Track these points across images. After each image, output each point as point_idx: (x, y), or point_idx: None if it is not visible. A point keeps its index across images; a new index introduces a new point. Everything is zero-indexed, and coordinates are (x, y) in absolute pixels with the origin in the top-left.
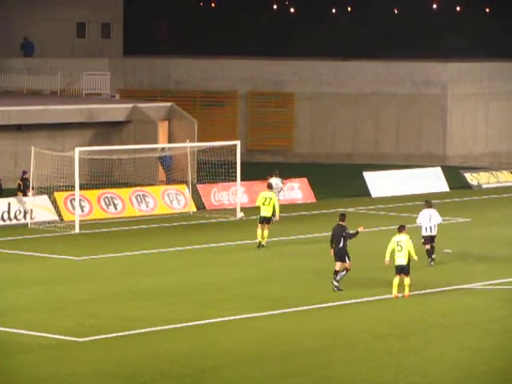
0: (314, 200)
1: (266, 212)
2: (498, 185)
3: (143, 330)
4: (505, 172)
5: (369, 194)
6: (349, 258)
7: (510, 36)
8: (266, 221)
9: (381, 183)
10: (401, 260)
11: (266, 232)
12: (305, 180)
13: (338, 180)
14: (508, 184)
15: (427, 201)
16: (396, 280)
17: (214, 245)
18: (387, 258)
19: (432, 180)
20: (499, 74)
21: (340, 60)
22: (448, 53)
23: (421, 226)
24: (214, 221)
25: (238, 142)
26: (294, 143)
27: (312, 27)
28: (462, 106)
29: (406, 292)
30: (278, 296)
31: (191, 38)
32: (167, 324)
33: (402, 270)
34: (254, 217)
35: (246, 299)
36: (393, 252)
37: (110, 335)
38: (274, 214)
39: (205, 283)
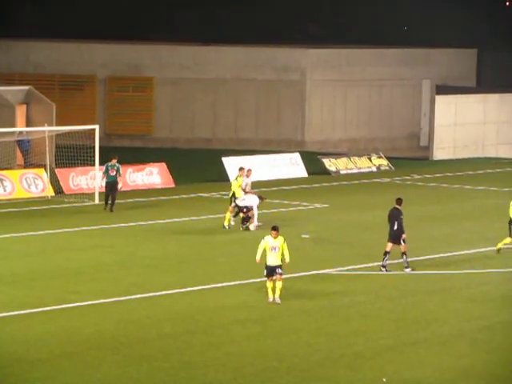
0: (172, 185)
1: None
2: (356, 171)
3: (1, 315)
4: (362, 158)
5: (228, 180)
6: (404, 241)
7: (367, 22)
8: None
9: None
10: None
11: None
12: (163, 165)
13: (197, 165)
14: (365, 170)
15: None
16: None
17: (72, 229)
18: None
19: (290, 165)
20: (357, 60)
21: (200, 45)
22: (307, 39)
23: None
24: (71, 205)
25: (96, 127)
26: (154, 128)
27: (172, 12)
28: (321, 91)
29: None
30: (137, 280)
31: (50, 20)
32: (26, 309)
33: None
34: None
35: (104, 284)
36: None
37: None
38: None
39: (64, 268)
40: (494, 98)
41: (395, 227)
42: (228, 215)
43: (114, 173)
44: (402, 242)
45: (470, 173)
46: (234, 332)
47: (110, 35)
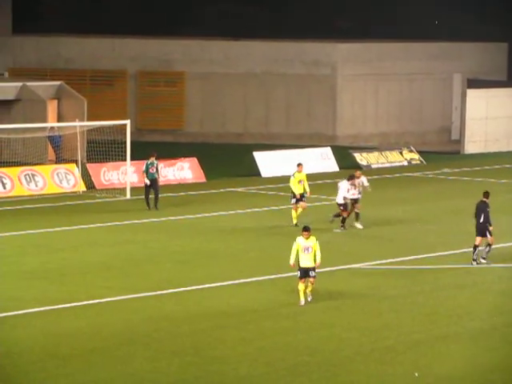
0: (204, 180)
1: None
2: (387, 165)
3: (33, 310)
4: (394, 152)
5: (259, 174)
6: (490, 234)
7: (397, 16)
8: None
9: (271, 163)
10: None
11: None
12: (195, 160)
13: (228, 160)
14: (397, 164)
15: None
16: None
17: (103, 224)
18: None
19: (322, 160)
20: (388, 54)
21: (230, 40)
22: (336, 34)
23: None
24: (103, 200)
25: (127, 122)
26: (184, 123)
27: (201, 7)
28: (352, 86)
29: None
30: (168, 276)
31: (79, 16)
32: (57, 304)
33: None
34: (142, 196)
35: (135, 279)
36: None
37: (0, 315)
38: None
39: (95, 263)
40: None
41: (481, 220)
42: (293, 213)
43: (154, 170)
44: (488, 234)
45: (502, 166)
46: (265, 327)
47: (140, 30)
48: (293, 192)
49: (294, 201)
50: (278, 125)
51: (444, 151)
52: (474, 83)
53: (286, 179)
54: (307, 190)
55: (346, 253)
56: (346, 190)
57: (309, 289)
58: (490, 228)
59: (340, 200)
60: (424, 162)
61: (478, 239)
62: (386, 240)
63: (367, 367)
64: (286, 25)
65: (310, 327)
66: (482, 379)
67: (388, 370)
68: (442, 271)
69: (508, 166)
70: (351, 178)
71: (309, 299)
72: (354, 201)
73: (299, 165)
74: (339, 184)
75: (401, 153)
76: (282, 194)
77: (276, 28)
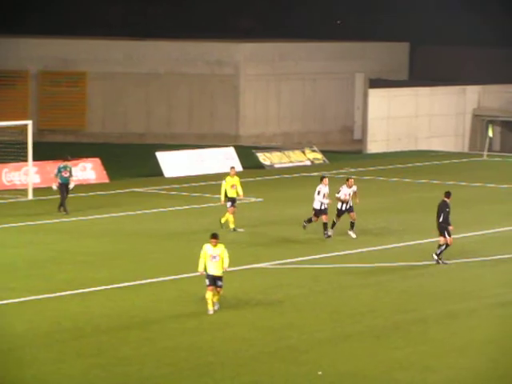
0: (107, 180)
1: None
2: (290, 164)
3: None
4: (296, 152)
5: (162, 174)
6: (448, 234)
7: (301, 16)
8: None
9: (174, 163)
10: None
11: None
12: (97, 160)
13: (131, 160)
14: (299, 164)
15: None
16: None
17: (5, 225)
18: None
19: (225, 160)
20: (291, 54)
21: (132, 40)
22: (241, 34)
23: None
24: (5, 201)
25: (29, 122)
26: (87, 123)
27: (103, 7)
28: (255, 86)
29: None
30: (70, 277)
31: None
32: None
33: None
34: (44, 198)
35: (38, 280)
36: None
37: None
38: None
39: None
40: (425, 92)
41: (441, 219)
42: (229, 217)
43: (68, 174)
44: (445, 234)
45: (404, 166)
46: (170, 327)
47: (42, 30)
48: (226, 195)
49: (229, 204)
50: (181, 125)
51: (347, 151)
52: (375, 83)
53: (189, 179)
54: (240, 193)
55: (249, 253)
56: (322, 196)
57: (216, 298)
58: (450, 228)
59: (317, 206)
60: (327, 162)
61: (442, 239)
62: (289, 240)
63: (271, 366)
64: (189, 25)
65: (213, 327)
66: (386, 377)
67: (291, 369)
68: (344, 270)
69: (410, 165)
70: (322, 179)
71: (215, 307)
72: (349, 209)
73: (232, 168)
74: (318, 188)
75: (303, 152)
76: (184, 194)
77: (179, 28)
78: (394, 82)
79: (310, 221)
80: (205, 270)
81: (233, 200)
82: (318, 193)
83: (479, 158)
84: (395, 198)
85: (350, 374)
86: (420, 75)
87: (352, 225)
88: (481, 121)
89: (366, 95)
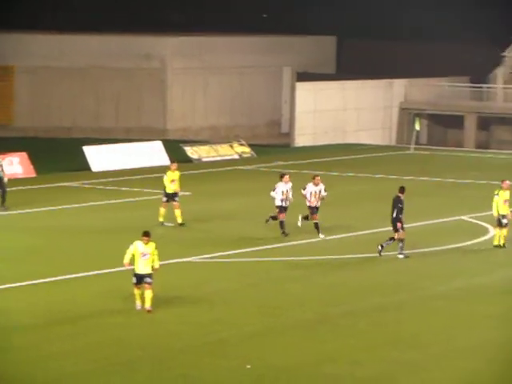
0: (34, 175)
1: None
2: (218, 158)
3: None
4: (224, 145)
5: (89, 168)
6: (402, 228)
7: (228, 10)
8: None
9: (101, 157)
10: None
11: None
12: (24, 154)
13: (58, 154)
14: (227, 158)
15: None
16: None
17: None
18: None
19: (152, 154)
20: (218, 48)
21: (60, 34)
22: (168, 28)
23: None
24: None
25: None
26: (14, 117)
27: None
28: (182, 79)
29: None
30: None
31: None
32: None
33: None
34: None
35: None
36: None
37: None
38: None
39: None
40: (352, 85)
41: (394, 215)
42: (161, 211)
43: (0, 169)
44: (398, 229)
45: (331, 159)
46: (97, 322)
47: None
48: (164, 190)
49: (164, 199)
50: (109, 119)
51: (274, 144)
52: (303, 76)
53: (116, 173)
54: (177, 188)
55: (177, 247)
56: (281, 194)
57: (148, 303)
58: (401, 223)
59: (278, 203)
60: (255, 155)
61: (396, 234)
62: (218, 233)
63: (200, 360)
64: (117, 18)
65: (141, 322)
66: (315, 370)
67: (221, 362)
68: (273, 264)
69: (337, 158)
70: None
71: (148, 308)
72: (313, 210)
73: (173, 163)
74: (276, 186)
75: (231, 146)
76: (112, 188)
77: (106, 22)
78: (322, 76)
79: (275, 218)
80: (133, 266)
81: (168, 195)
82: (274, 189)
83: (406, 151)
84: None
85: (278, 367)
86: (347, 69)
87: (316, 226)
88: (408, 114)
89: (293, 89)
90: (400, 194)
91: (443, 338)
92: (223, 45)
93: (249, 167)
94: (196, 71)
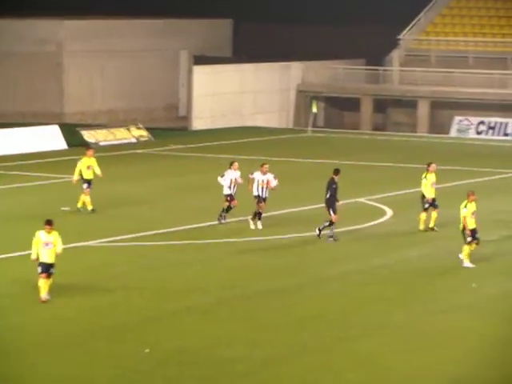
0: None
1: None
2: (116, 142)
3: None
4: (122, 129)
5: None
6: (333, 211)
7: None
8: None
9: None
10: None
11: None
12: None
13: None
14: (125, 141)
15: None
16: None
17: None
18: None
19: (49, 138)
20: (115, 31)
21: None
22: (64, 10)
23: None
24: None
25: None
26: None
27: None
28: (79, 63)
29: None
30: None
31: None
32: None
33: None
34: None
35: None
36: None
37: None
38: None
39: None
40: (250, 68)
41: (327, 196)
42: (85, 198)
43: None
44: (331, 212)
45: (229, 142)
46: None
47: None
48: (82, 176)
49: (85, 186)
50: (5, 103)
51: (172, 128)
52: (200, 60)
53: (12, 158)
54: (98, 173)
55: (75, 231)
56: (229, 182)
57: (47, 284)
58: (337, 204)
59: (226, 191)
60: (152, 139)
61: (333, 217)
62: (115, 217)
63: (96, 345)
64: (11, 2)
65: (38, 308)
66: (211, 353)
67: (118, 347)
68: (172, 247)
69: (235, 141)
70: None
71: (47, 298)
72: (260, 199)
73: (88, 149)
74: (224, 173)
75: (129, 130)
76: (10, 173)
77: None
78: (219, 59)
79: (229, 209)
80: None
81: (89, 182)
82: (223, 176)
83: (303, 134)
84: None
85: (176, 350)
86: (244, 52)
87: (259, 215)
88: (305, 97)
89: (190, 72)
90: (334, 176)
91: (338, 321)
92: (120, 28)
93: (146, 151)
94: (93, 54)
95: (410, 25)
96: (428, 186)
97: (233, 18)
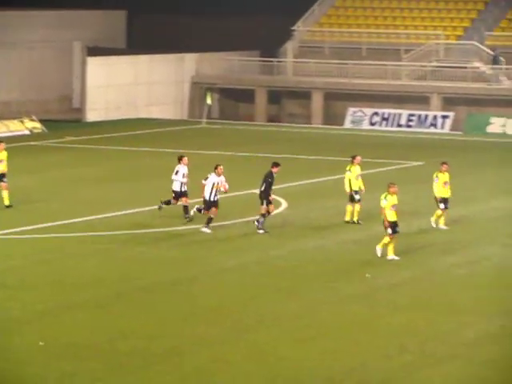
0: None
1: None
2: (9, 134)
3: None
4: (15, 121)
5: None
6: (267, 203)
7: None
8: None
9: None
10: None
11: None
12: None
13: None
14: (18, 133)
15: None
16: None
17: None
18: None
19: None
20: (7, 22)
21: None
22: None
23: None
24: None
25: None
26: None
27: None
28: None
29: None
30: None
31: None
32: None
33: None
34: None
35: None
36: None
37: None
38: None
39: None
40: (144, 60)
41: (262, 188)
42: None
43: None
44: (265, 203)
45: (123, 134)
46: None
47: None
48: None
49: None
50: None
51: (66, 119)
52: (94, 51)
53: None
54: (5, 169)
55: None
56: (181, 176)
57: None
58: (270, 198)
59: (176, 187)
60: (46, 131)
61: (263, 207)
62: (11, 210)
63: None
64: None
65: None
66: (108, 346)
67: (13, 340)
68: (69, 239)
69: (130, 133)
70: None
71: None
72: (211, 204)
73: (0, 142)
74: (176, 168)
75: (22, 122)
76: None
77: None
78: (113, 50)
79: (168, 203)
80: None
81: (2, 175)
82: (177, 173)
83: (198, 126)
84: (115, 167)
85: (72, 344)
86: (138, 43)
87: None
88: (199, 88)
89: (84, 63)
90: (272, 169)
91: (235, 312)
92: (12, 19)
93: (40, 143)
94: None
95: (304, 16)
96: (352, 178)
97: (127, 9)
